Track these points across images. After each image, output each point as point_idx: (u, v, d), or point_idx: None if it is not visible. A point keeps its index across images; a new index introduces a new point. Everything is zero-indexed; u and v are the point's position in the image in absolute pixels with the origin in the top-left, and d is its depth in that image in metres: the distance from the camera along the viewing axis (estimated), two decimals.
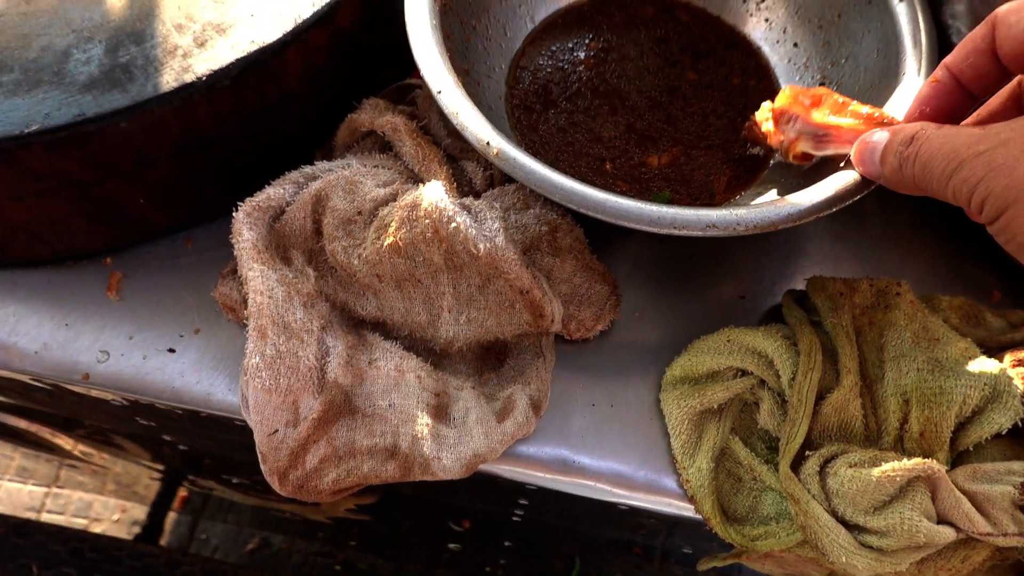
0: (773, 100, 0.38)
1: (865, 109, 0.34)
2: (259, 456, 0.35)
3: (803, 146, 0.36)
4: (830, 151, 0.35)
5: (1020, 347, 0.36)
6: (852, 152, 0.33)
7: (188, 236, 0.41)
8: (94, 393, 0.39)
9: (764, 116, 0.38)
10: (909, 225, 0.45)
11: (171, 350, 0.39)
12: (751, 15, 0.47)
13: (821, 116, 0.35)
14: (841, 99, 0.35)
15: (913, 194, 0.31)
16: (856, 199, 0.34)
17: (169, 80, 0.34)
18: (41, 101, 0.33)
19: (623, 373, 0.39)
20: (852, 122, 0.34)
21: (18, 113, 0.33)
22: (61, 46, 0.35)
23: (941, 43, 0.38)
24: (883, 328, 0.36)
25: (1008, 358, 0.35)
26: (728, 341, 0.37)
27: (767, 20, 0.47)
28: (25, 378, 0.39)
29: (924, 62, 0.37)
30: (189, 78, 0.34)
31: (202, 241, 0.41)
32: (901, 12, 0.39)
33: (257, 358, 0.34)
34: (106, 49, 0.35)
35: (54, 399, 0.42)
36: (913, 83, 0.37)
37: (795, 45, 0.46)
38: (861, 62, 0.41)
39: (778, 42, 0.46)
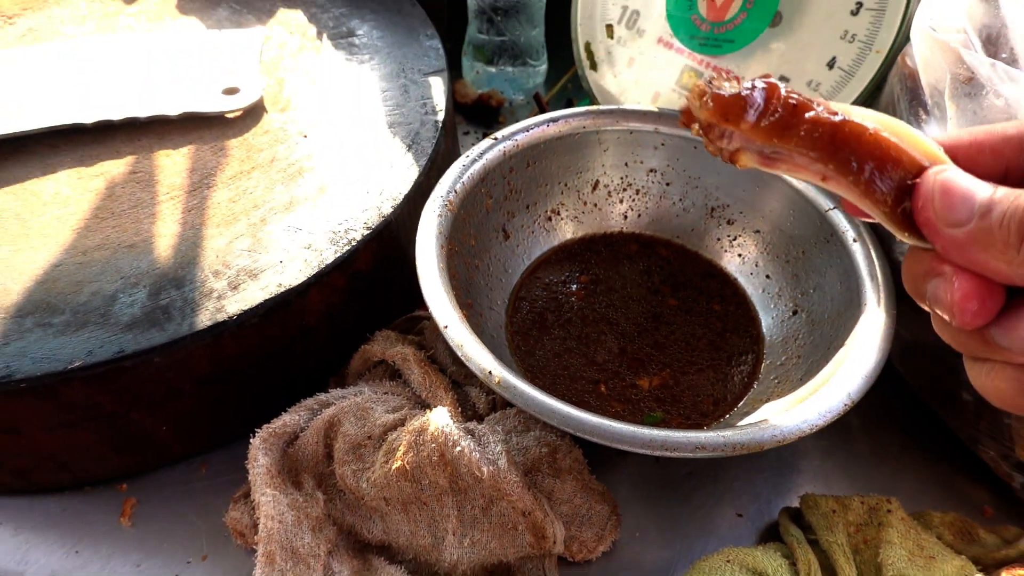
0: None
1: (839, 117, 0.25)
2: None
3: (748, 161, 0.27)
4: (782, 171, 0.26)
5: (1015, 564, 0.36)
6: (921, 192, 0.23)
7: (203, 461, 0.43)
8: None
9: (701, 114, 0.27)
10: (896, 441, 0.47)
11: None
12: (725, 251, 0.53)
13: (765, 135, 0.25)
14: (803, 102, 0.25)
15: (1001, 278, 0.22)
16: (840, 416, 0.37)
17: (204, 319, 0.38)
18: (86, 340, 0.37)
19: None
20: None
21: (64, 351, 0.36)
22: (110, 291, 0.39)
23: (896, 278, 0.42)
24: (878, 546, 0.37)
25: (1004, 575, 0.35)
26: (728, 562, 0.37)
27: (740, 255, 0.52)
28: None
29: (883, 294, 0.41)
30: (221, 317, 0.38)
31: (216, 465, 0.43)
32: (857, 250, 0.44)
33: None
34: (149, 293, 0.39)
35: None
36: (874, 313, 0.41)
37: (767, 277, 0.50)
38: (828, 292, 0.46)
39: (752, 274, 0.51)
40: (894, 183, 0.24)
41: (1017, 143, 0.23)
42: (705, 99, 0.26)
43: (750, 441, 0.35)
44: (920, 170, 0.24)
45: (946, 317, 0.23)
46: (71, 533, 0.40)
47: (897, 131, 0.25)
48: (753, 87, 0.26)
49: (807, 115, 0.25)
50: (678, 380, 0.46)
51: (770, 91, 0.25)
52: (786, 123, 0.25)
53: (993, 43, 0.37)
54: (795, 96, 0.25)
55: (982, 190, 0.22)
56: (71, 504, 0.41)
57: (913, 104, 0.42)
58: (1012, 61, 0.36)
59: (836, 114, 0.24)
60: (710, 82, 0.27)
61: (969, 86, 0.36)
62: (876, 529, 0.38)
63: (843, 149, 0.24)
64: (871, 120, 0.25)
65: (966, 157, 0.24)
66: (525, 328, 0.49)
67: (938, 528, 0.39)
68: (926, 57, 0.39)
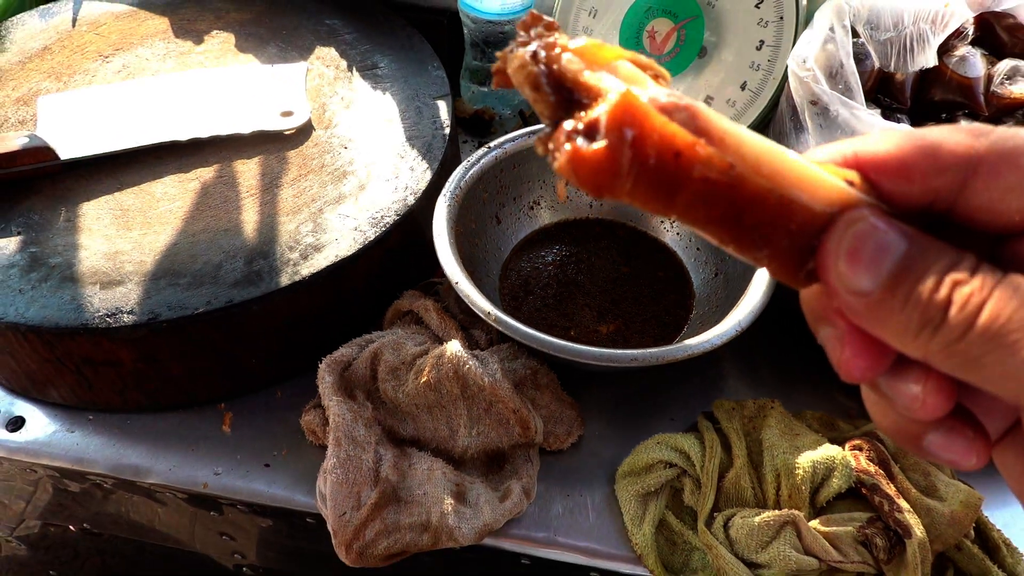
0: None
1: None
2: (331, 533, 0.50)
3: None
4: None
5: (857, 439, 0.52)
6: (826, 253, 0.21)
7: (278, 388, 0.59)
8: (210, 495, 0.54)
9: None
10: (788, 364, 0.62)
11: (267, 465, 0.54)
12: (667, 231, 0.68)
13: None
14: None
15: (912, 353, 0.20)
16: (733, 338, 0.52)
17: (284, 280, 0.53)
18: (204, 294, 0.52)
19: (589, 474, 0.55)
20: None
21: (190, 301, 0.52)
22: (216, 261, 0.54)
23: None
24: (761, 429, 0.53)
25: (847, 445, 0.51)
26: (657, 443, 0.53)
27: (678, 234, 0.68)
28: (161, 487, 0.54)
29: None
30: (297, 278, 0.53)
31: (287, 391, 0.58)
32: None
33: (334, 460, 0.50)
34: (244, 262, 0.54)
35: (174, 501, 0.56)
36: (765, 271, 0.56)
37: (698, 249, 0.66)
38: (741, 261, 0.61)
39: (686, 248, 0.67)
40: (797, 247, 0.21)
41: (950, 172, 0.21)
42: (553, 152, 0.21)
43: (669, 353, 0.51)
44: (827, 222, 0.21)
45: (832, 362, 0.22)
46: (187, 437, 0.56)
47: (793, 169, 0.20)
48: (610, 125, 0.19)
49: (694, 171, 0.20)
50: (628, 326, 0.62)
51: (640, 132, 0.19)
52: (668, 183, 0.20)
53: (834, 77, 0.53)
54: (674, 136, 0.19)
55: (890, 257, 0.20)
56: (186, 418, 0.57)
57: (793, 117, 0.58)
58: (846, 90, 0.52)
59: (730, 167, 0.20)
60: (534, 56, 0.21)
61: (818, 108, 0.52)
62: (762, 420, 0.54)
63: (742, 218, 0.20)
64: (769, 158, 0.20)
65: (891, 178, 0.21)
66: (514, 291, 0.64)
67: (808, 420, 0.55)
68: (794, 85, 0.55)
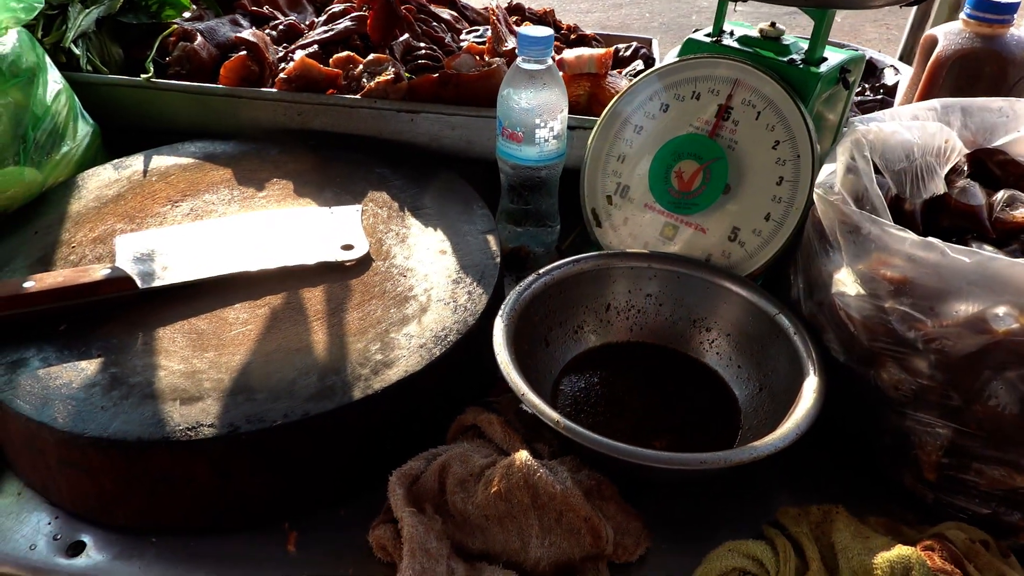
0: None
1: None
2: None
3: None
4: None
5: (926, 540, 0.53)
6: None
7: (341, 508, 0.59)
8: None
9: None
10: (841, 476, 0.63)
11: None
12: (707, 351, 0.72)
13: None
14: None
15: None
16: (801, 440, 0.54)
17: (357, 393, 0.55)
18: (280, 408, 0.54)
19: None
20: None
21: (268, 415, 0.53)
22: (290, 377, 0.56)
23: (824, 356, 0.61)
24: (831, 533, 0.53)
25: (919, 546, 0.52)
26: (729, 551, 0.53)
27: (717, 353, 0.71)
28: None
29: (817, 367, 0.60)
30: (370, 391, 0.55)
31: (351, 509, 0.58)
32: (797, 341, 0.64)
33: (410, 571, 0.50)
34: (318, 377, 0.56)
35: None
36: (811, 379, 0.59)
37: (739, 367, 0.69)
38: (781, 372, 0.64)
39: (727, 365, 0.70)
40: None
41: None
42: None
43: (736, 457, 0.52)
44: None
45: None
46: (252, 558, 0.55)
47: None
48: None
49: None
50: (681, 441, 0.64)
51: None
52: None
53: (860, 201, 0.59)
54: None
55: None
56: (251, 539, 0.56)
57: (821, 241, 0.63)
58: (872, 210, 0.58)
59: None
60: None
61: (848, 226, 0.57)
62: (829, 524, 0.54)
63: None
64: None
65: None
66: (565, 412, 0.66)
67: (872, 525, 0.56)
68: (823, 210, 0.60)
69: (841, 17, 3.88)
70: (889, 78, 1.08)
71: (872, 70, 1.11)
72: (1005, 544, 0.55)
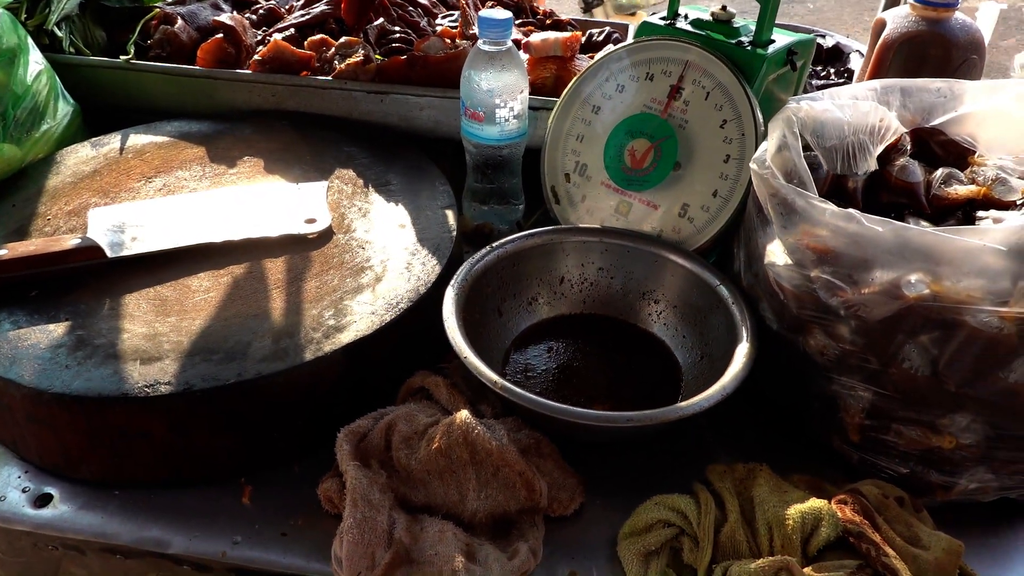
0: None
1: None
2: None
3: None
4: None
5: (843, 495, 0.56)
6: None
7: (295, 463, 0.62)
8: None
9: None
10: (769, 437, 0.66)
11: (283, 535, 0.57)
12: (654, 321, 0.75)
13: None
14: None
15: None
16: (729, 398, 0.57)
17: (308, 355, 0.58)
18: (235, 368, 0.57)
19: (592, 540, 0.58)
20: None
21: (223, 374, 0.56)
22: (246, 340, 0.60)
23: (757, 320, 0.64)
24: (752, 488, 0.56)
25: (833, 500, 0.55)
26: (656, 504, 0.56)
27: (664, 323, 0.74)
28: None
29: (750, 334, 0.63)
30: (320, 353, 0.59)
31: (303, 466, 0.62)
32: (735, 310, 0.66)
33: (350, 520, 0.53)
34: (272, 340, 0.60)
35: (199, 570, 0.57)
36: (743, 345, 0.62)
37: (684, 336, 0.72)
38: (720, 339, 0.67)
39: (673, 335, 0.73)
40: None
41: None
42: None
43: (662, 414, 0.55)
44: None
45: None
46: (208, 510, 0.58)
47: None
48: None
49: None
50: (621, 406, 0.67)
51: None
52: None
53: (790, 175, 0.62)
54: None
55: None
56: (208, 493, 0.59)
57: (760, 215, 0.66)
58: (800, 184, 0.61)
59: None
60: None
61: (778, 199, 0.60)
62: (752, 480, 0.57)
63: None
64: None
65: None
66: (515, 378, 0.69)
67: (795, 482, 0.59)
68: (757, 184, 0.63)
69: (816, 4, 3.90)
70: (855, 62, 1.10)
71: (839, 55, 1.13)
72: (921, 501, 0.58)
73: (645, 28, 0.80)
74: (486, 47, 0.79)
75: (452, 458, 0.56)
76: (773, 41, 0.75)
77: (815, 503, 0.53)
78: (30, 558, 0.60)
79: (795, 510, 0.53)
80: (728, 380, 0.58)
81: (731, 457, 0.64)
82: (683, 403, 0.57)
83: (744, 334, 0.63)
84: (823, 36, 1.17)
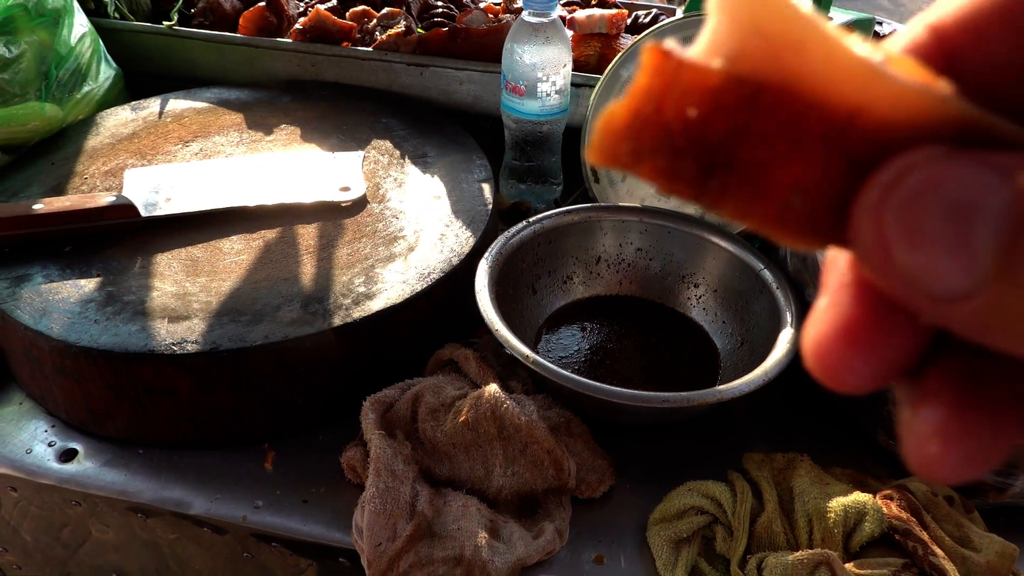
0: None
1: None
2: (365, 563, 0.50)
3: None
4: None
5: (887, 491, 0.53)
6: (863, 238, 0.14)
7: (320, 432, 0.61)
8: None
9: None
10: (814, 426, 0.63)
11: (305, 501, 0.56)
12: (693, 306, 0.72)
13: None
14: None
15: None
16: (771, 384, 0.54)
17: (337, 321, 0.57)
18: (263, 330, 0.56)
19: (620, 523, 0.55)
20: None
21: (249, 336, 0.55)
22: (275, 303, 0.59)
23: (803, 306, 0.61)
24: (791, 479, 0.54)
25: (878, 495, 0.52)
26: (689, 490, 0.54)
27: (704, 308, 0.71)
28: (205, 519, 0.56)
29: (794, 319, 0.60)
30: (349, 320, 0.57)
31: (328, 434, 0.61)
32: (779, 295, 0.64)
33: (373, 490, 0.52)
34: (301, 305, 0.59)
35: (218, 532, 0.57)
36: (787, 331, 0.59)
37: (724, 322, 0.70)
38: (761, 326, 0.65)
39: (712, 321, 0.70)
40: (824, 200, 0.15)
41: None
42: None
43: (699, 397, 0.53)
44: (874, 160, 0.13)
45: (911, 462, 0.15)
46: (230, 473, 0.57)
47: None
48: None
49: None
50: (659, 391, 0.64)
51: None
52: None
53: None
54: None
55: (987, 221, 0.12)
56: (231, 455, 0.59)
57: None
58: None
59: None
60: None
61: None
62: (792, 471, 0.55)
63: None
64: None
65: (964, 46, 0.14)
66: (546, 355, 0.67)
67: (837, 475, 0.56)
68: None
69: None
70: None
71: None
72: (972, 502, 0.55)
73: (696, 3, 0.77)
74: (530, 18, 0.77)
75: (479, 432, 0.55)
76: (831, 19, 0.72)
77: (859, 497, 0.51)
78: (57, 515, 0.60)
79: (837, 503, 0.50)
80: (771, 365, 0.56)
81: (769, 447, 0.62)
82: (722, 386, 0.54)
83: (789, 319, 0.61)
84: (880, 23, 1.12)
